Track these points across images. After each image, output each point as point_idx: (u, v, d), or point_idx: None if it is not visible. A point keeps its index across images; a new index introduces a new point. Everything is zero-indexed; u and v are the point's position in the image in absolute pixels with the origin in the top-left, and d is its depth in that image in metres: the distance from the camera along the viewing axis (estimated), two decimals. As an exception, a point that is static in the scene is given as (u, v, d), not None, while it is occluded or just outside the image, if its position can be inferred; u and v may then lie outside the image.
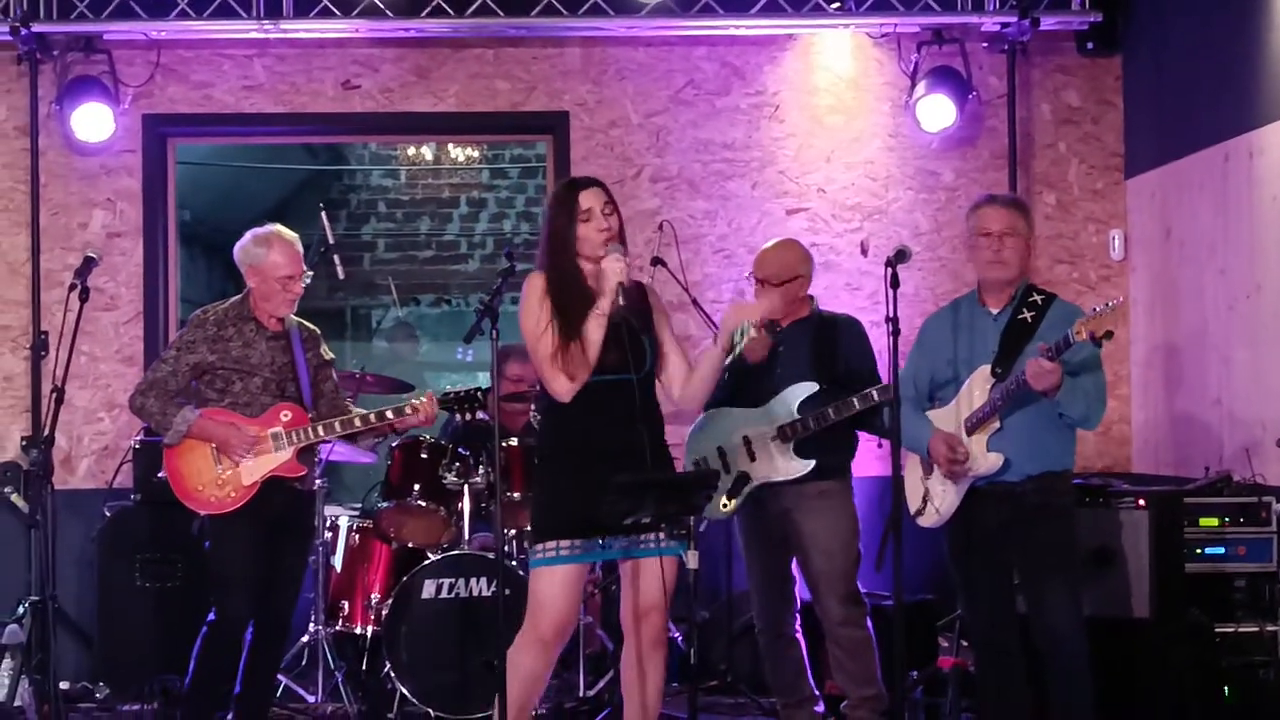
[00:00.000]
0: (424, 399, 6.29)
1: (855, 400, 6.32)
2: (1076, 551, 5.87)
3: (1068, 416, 5.62)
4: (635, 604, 5.43)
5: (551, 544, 5.30)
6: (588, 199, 5.38)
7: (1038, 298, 5.75)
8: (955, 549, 5.89)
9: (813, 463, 6.40)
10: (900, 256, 5.54)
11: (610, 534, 5.31)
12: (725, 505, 6.54)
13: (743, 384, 6.58)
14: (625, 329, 5.34)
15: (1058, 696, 5.70)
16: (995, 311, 5.82)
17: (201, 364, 6.22)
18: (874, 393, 6.29)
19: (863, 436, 6.66)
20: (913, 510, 5.93)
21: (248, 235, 6.33)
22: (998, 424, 5.67)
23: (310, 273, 6.43)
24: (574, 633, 7.27)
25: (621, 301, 5.26)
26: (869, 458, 7.10)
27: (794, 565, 6.65)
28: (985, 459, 5.68)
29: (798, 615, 6.71)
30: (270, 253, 6.24)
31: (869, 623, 6.55)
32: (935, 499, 5.84)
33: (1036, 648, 5.75)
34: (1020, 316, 5.71)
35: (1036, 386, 5.47)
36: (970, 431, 5.71)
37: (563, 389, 5.30)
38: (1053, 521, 5.72)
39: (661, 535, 5.36)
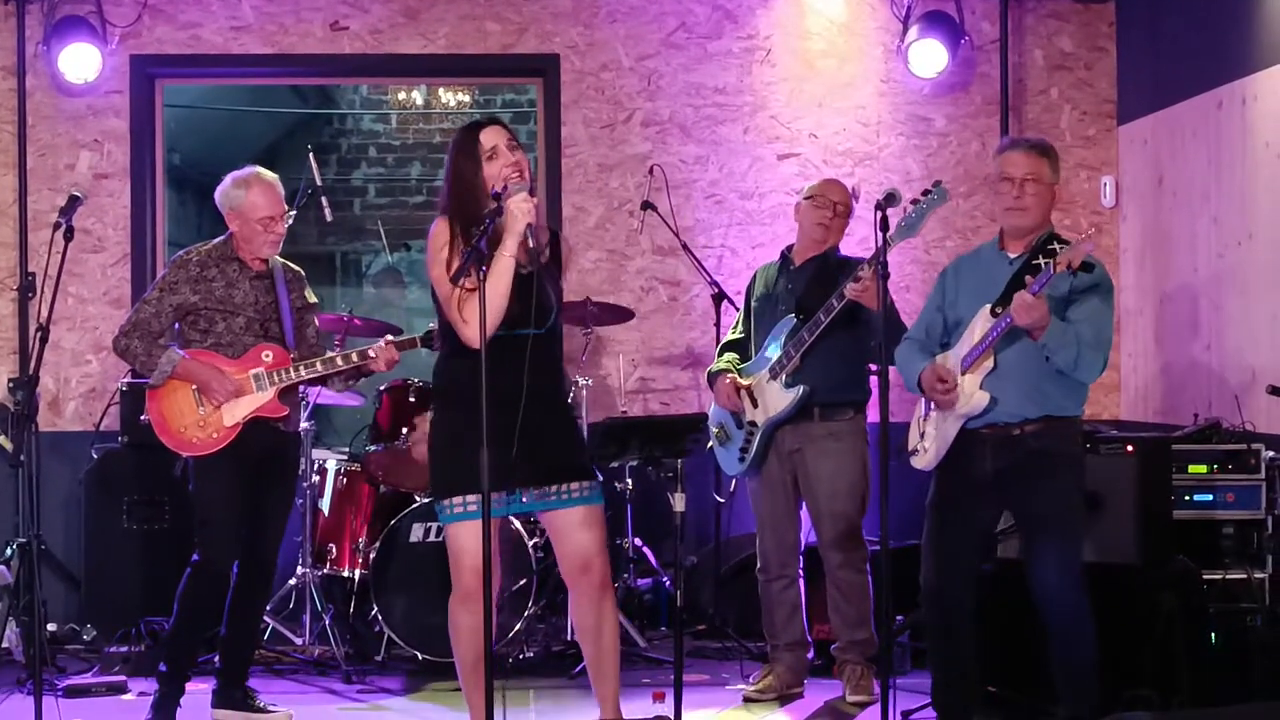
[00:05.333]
0: (382, 343, 6.22)
1: (821, 314, 6.27)
2: (1078, 503, 5.69)
3: (1053, 361, 5.43)
4: (571, 556, 5.35)
5: (459, 499, 5.16)
6: (489, 137, 5.25)
7: (1058, 245, 5.46)
8: (937, 493, 5.76)
9: (802, 388, 6.37)
10: (890, 200, 5.52)
11: (519, 487, 5.22)
12: (742, 459, 6.55)
13: (759, 338, 6.64)
14: (534, 280, 5.18)
15: (1056, 652, 5.59)
16: (1013, 256, 5.65)
17: (184, 305, 6.18)
18: (834, 301, 6.22)
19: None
20: (910, 449, 5.81)
21: (227, 178, 6.30)
22: (991, 363, 5.54)
23: (293, 213, 6.40)
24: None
25: (532, 243, 5.08)
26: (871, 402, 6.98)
27: (801, 508, 6.64)
28: (973, 397, 5.56)
29: (800, 558, 6.72)
30: (249, 194, 6.21)
31: (869, 568, 6.56)
32: (928, 439, 5.72)
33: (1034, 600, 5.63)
34: (1035, 261, 5.45)
35: (1021, 322, 5.33)
36: (965, 370, 5.57)
37: (472, 335, 5.05)
38: (1052, 470, 5.56)
39: (577, 485, 5.29)
